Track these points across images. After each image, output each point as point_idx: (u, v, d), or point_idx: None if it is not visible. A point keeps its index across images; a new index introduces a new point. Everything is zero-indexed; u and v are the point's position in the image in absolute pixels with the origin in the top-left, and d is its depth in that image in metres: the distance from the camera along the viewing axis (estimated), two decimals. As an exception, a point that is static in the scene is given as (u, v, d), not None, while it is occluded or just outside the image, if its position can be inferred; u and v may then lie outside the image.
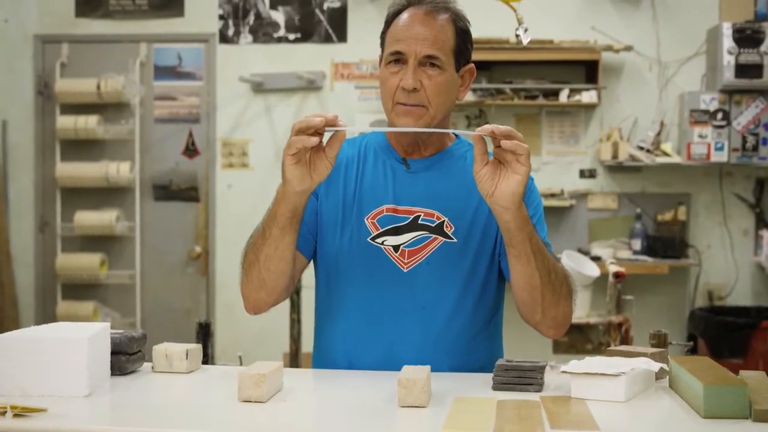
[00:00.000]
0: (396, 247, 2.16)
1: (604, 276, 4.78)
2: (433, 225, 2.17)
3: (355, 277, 2.18)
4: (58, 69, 6.39)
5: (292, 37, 6.26)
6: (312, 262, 2.29)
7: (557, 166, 6.14)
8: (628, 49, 5.90)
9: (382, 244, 2.17)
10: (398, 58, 2.12)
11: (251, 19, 6.28)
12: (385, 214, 2.18)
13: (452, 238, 2.16)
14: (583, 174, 6.14)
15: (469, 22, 2.20)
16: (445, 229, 2.16)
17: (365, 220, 2.18)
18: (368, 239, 2.18)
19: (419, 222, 2.17)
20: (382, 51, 2.21)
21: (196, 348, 2.12)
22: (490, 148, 1.93)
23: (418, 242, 2.16)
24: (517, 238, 1.98)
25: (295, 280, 2.21)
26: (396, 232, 2.16)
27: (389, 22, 2.20)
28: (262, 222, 2.10)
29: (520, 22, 3.14)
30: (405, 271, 2.16)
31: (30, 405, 1.66)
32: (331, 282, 2.23)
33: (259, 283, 2.12)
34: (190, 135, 6.38)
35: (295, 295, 4.51)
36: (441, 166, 2.23)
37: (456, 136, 2.31)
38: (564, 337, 5.93)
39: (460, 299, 2.17)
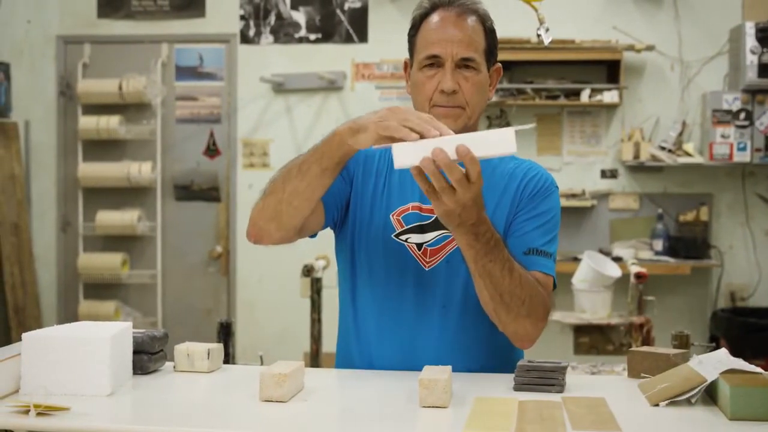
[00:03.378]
0: (419, 245, 2.17)
1: (625, 276, 4.76)
2: None
3: (377, 273, 2.18)
4: (80, 69, 6.43)
5: (312, 37, 6.27)
6: (336, 258, 2.30)
7: (578, 166, 6.12)
8: (650, 48, 5.87)
9: (406, 241, 2.17)
10: (434, 62, 2.12)
11: (272, 19, 6.29)
12: (411, 211, 2.18)
13: None
14: (604, 174, 6.11)
15: (493, 22, 2.21)
16: None
17: (391, 216, 2.19)
18: (392, 236, 2.18)
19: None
20: (412, 55, 2.21)
21: (218, 347, 2.12)
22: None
23: (440, 241, 2.16)
24: (465, 256, 1.98)
25: (304, 231, 2.15)
26: (421, 230, 2.17)
27: (417, 25, 2.19)
28: (299, 156, 2.03)
29: (541, 22, 3.13)
30: (427, 269, 2.16)
31: (53, 404, 1.66)
32: (354, 278, 2.24)
33: (274, 213, 2.07)
34: (211, 135, 6.40)
35: (315, 295, 4.51)
36: None
37: None
38: (585, 338, 5.92)
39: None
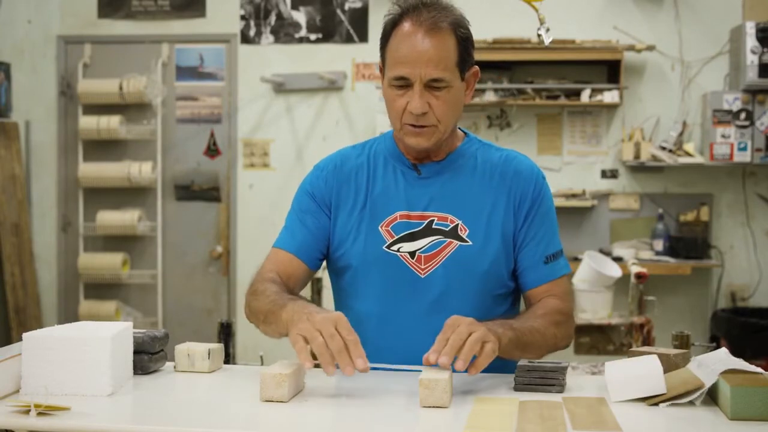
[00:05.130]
0: (412, 254, 2.16)
1: (626, 277, 4.76)
2: (447, 229, 2.16)
3: (373, 285, 2.17)
4: (81, 69, 6.43)
5: (313, 37, 6.27)
6: (327, 270, 2.30)
7: (579, 167, 6.12)
8: (651, 48, 5.87)
9: (398, 251, 2.16)
10: (403, 83, 2.08)
11: (272, 19, 6.29)
12: (399, 221, 2.18)
13: (467, 241, 2.15)
14: (604, 174, 6.11)
15: (469, 23, 2.14)
16: (459, 232, 2.16)
17: (379, 228, 2.18)
18: (384, 247, 2.17)
19: (433, 227, 2.16)
20: (383, 63, 2.15)
21: (218, 347, 2.12)
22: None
23: (433, 247, 2.15)
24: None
25: (300, 291, 2.24)
26: (411, 238, 2.16)
27: (387, 33, 2.12)
28: (269, 305, 2.08)
29: (542, 22, 3.13)
30: (422, 276, 2.15)
31: (53, 403, 1.66)
32: (348, 291, 2.24)
33: (260, 329, 2.16)
34: (212, 135, 6.40)
35: (315, 295, 4.51)
36: (452, 168, 2.22)
37: (465, 133, 2.29)
38: (585, 338, 5.92)
39: (478, 301, 2.16)
